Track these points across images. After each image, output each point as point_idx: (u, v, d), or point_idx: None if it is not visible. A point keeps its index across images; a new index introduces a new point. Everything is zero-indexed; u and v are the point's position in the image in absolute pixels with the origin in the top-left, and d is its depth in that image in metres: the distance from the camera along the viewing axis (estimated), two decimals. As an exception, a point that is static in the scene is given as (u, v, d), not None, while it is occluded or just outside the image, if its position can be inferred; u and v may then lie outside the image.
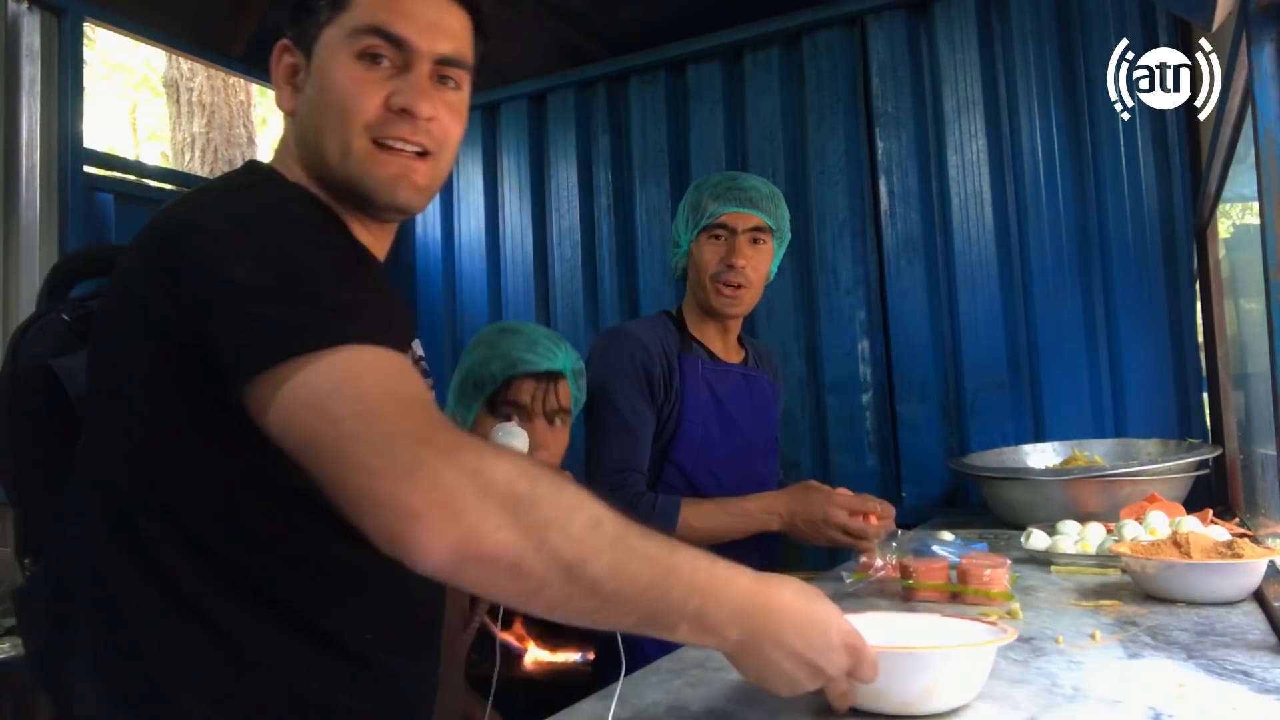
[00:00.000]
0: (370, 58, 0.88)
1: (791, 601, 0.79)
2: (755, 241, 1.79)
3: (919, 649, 0.87)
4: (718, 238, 1.78)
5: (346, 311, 0.73)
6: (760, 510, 1.65)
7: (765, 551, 1.84)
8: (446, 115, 0.92)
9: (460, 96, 0.95)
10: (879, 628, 0.94)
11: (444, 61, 0.92)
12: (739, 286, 1.78)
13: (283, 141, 0.98)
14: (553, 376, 1.54)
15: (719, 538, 1.64)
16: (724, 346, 1.87)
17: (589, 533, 0.69)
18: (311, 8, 0.92)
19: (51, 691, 0.87)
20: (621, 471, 1.66)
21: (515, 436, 0.95)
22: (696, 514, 1.64)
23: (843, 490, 1.65)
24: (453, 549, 0.65)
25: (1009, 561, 1.38)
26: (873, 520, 1.58)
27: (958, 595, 1.35)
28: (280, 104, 0.95)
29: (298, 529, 0.83)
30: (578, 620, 0.72)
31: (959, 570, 1.36)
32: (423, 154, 0.91)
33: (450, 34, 0.92)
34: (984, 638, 0.91)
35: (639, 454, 1.69)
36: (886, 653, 0.83)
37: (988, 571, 1.32)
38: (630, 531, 0.72)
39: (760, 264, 1.81)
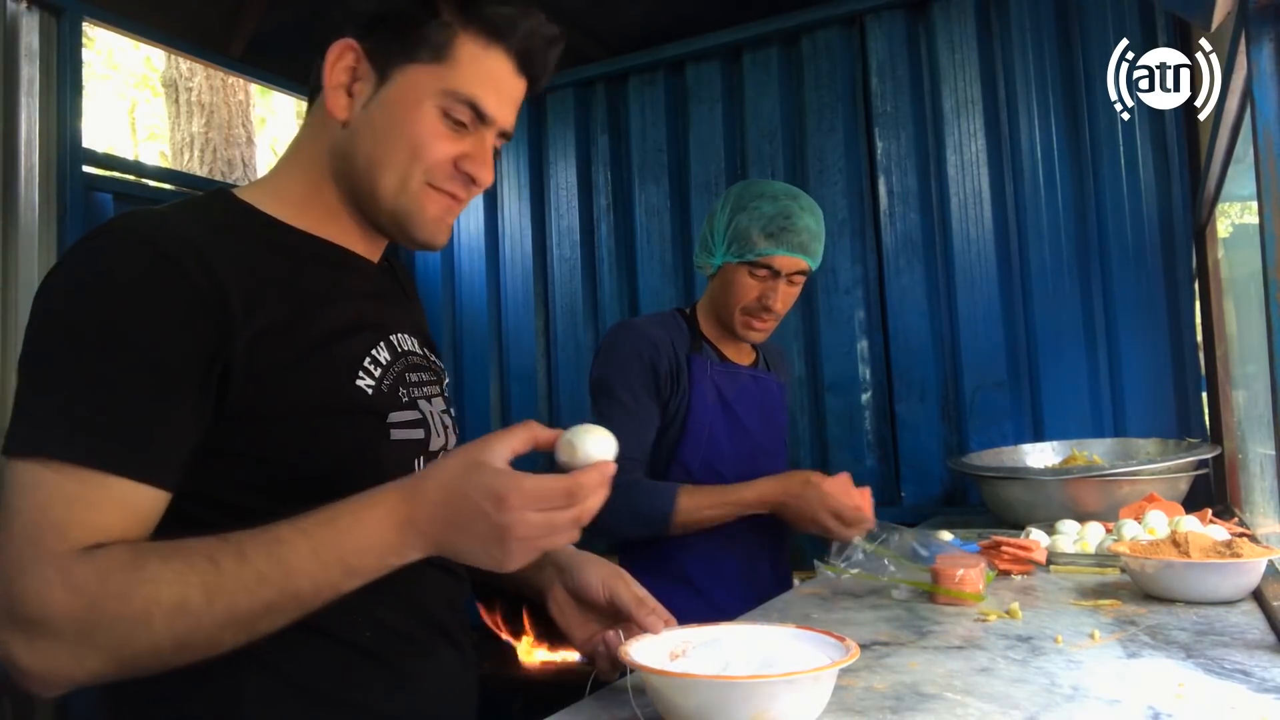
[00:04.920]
0: (454, 119, 0.92)
1: (434, 498, 0.78)
2: (792, 283, 1.76)
3: (746, 678, 0.81)
4: (759, 276, 1.72)
5: (61, 420, 0.75)
6: (756, 498, 1.66)
7: (775, 545, 1.85)
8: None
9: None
10: (722, 644, 0.89)
11: (504, 134, 0.97)
12: (766, 321, 1.77)
13: (307, 141, 0.97)
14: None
15: (713, 522, 1.67)
16: (735, 349, 1.87)
17: (175, 616, 0.72)
18: (403, 35, 0.91)
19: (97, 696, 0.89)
20: (619, 459, 1.64)
21: (595, 436, 0.89)
22: (696, 502, 1.65)
23: (840, 485, 1.62)
24: (50, 691, 0.72)
25: (984, 563, 1.38)
26: (858, 530, 1.59)
27: (931, 595, 1.36)
28: (332, 108, 0.92)
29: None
30: (244, 643, 0.76)
31: (932, 571, 1.37)
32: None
33: (516, 108, 0.98)
34: (826, 660, 0.84)
35: (638, 443, 1.68)
36: (711, 682, 0.80)
37: (959, 572, 1.33)
38: (224, 572, 0.73)
39: (791, 298, 1.79)
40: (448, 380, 1.11)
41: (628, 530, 1.67)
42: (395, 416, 0.94)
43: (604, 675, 0.96)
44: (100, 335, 0.77)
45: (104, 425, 0.75)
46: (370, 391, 0.92)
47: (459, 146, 0.93)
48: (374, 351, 0.94)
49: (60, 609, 0.70)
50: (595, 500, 0.81)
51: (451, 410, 1.07)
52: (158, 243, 0.81)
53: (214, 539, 0.75)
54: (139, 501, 0.76)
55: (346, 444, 0.88)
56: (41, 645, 0.71)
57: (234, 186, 1.01)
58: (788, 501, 1.63)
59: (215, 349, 0.80)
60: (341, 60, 0.92)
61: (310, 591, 0.76)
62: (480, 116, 0.93)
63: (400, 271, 1.11)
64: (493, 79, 0.94)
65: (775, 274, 1.72)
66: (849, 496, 1.60)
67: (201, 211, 0.90)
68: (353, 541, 0.76)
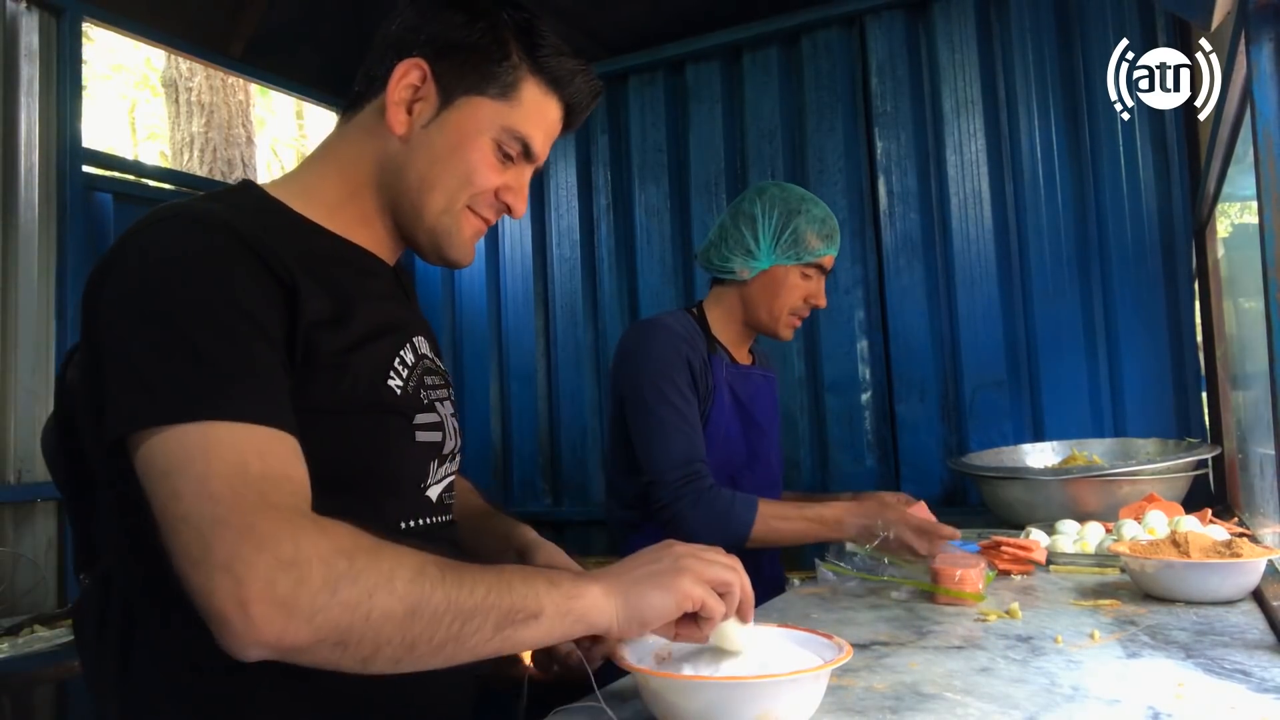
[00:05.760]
0: (504, 153, 0.99)
1: (627, 570, 0.86)
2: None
3: (750, 679, 0.81)
4: (809, 276, 1.78)
5: (212, 382, 0.74)
6: (834, 518, 1.62)
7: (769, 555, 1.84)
8: None
9: None
10: (708, 645, 0.89)
11: (537, 169, 1.05)
12: (802, 319, 1.83)
13: (348, 146, 0.99)
14: None
15: (793, 540, 1.65)
16: (739, 349, 1.87)
17: (414, 583, 0.73)
18: (476, 68, 0.95)
19: (101, 701, 0.88)
20: (689, 464, 1.62)
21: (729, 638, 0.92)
22: (774, 513, 1.62)
23: (920, 508, 1.62)
24: (267, 645, 0.68)
25: (984, 563, 1.38)
26: (940, 544, 1.55)
27: (931, 595, 1.36)
28: (392, 123, 0.95)
29: None
30: (440, 659, 0.75)
31: (932, 571, 1.37)
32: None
33: (551, 146, 1.05)
34: (820, 659, 0.85)
35: (699, 444, 1.66)
36: (716, 684, 0.80)
37: (959, 572, 1.33)
38: (449, 561, 0.76)
39: None
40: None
41: (705, 538, 1.61)
42: (420, 418, 0.96)
43: (540, 672, 1.00)
44: (213, 302, 0.77)
45: (252, 383, 0.76)
46: (399, 392, 0.94)
47: (503, 178, 1.00)
48: (401, 353, 0.96)
49: (316, 549, 0.69)
50: (747, 586, 0.89)
51: (456, 414, 1.09)
52: (233, 227, 0.82)
53: None
54: (300, 454, 0.77)
55: (376, 442, 0.90)
56: (285, 589, 0.67)
57: (253, 181, 1.01)
58: (867, 522, 1.59)
59: (287, 331, 0.82)
60: (407, 78, 0.95)
61: (520, 596, 0.77)
62: (527, 154, 1.01)
63: (403, 276, 1.12)
64: (545, 122, 1.01)
65: (823, 272, 1.80)
66: (926, 513, 1.60)
67: (240, 205, 0.91)
68: (549, 569, 0.83)
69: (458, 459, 1.07)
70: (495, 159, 0.98)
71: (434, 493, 0.99)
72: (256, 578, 0.67)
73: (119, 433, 0.74)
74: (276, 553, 0.68)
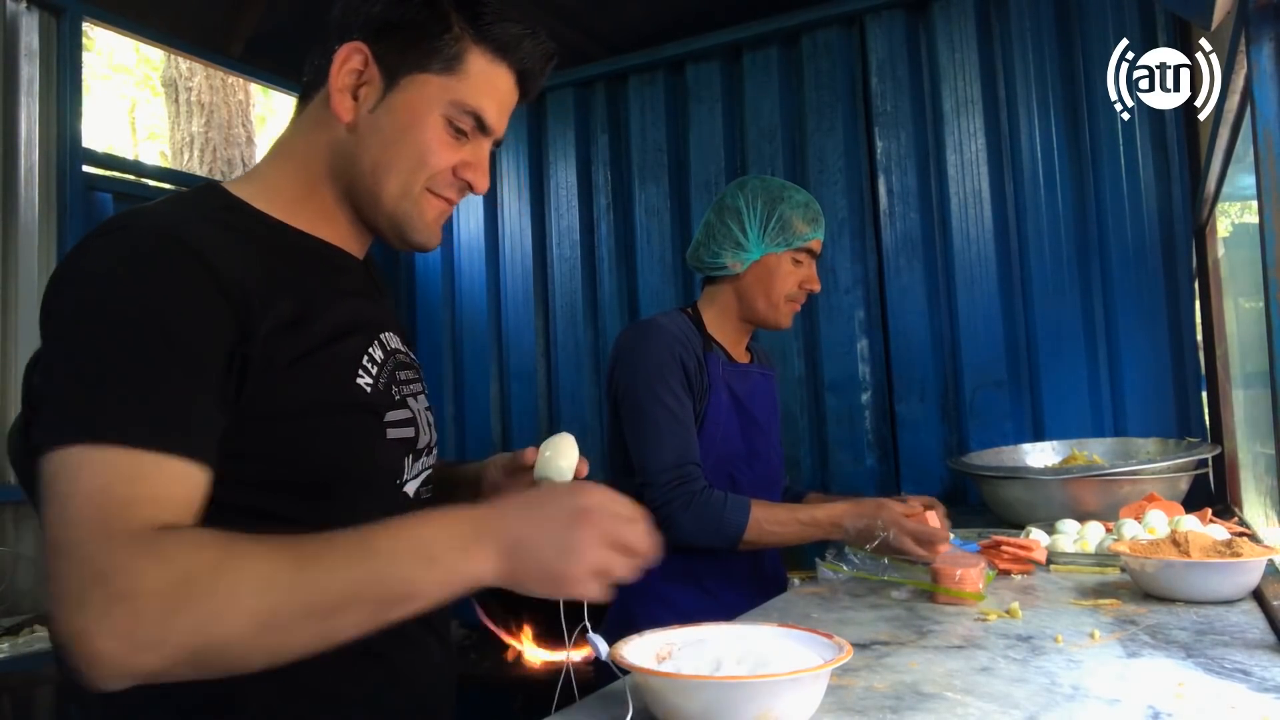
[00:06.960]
0: (457, 128, 0.96)
1: (514, 501, 0.83)
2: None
3: (750, 678, 0.81)
4: (800, 262, 1.80)
5: (108, 406, 0.74)
6: (828, 520, 1.61)
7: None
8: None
9: None
10: (708, 644, 0.90)
11: (497, 142, 1.01)
12: (800, 306, 1.85)
13: (302, 138, 0.97)
14: None
15: (786, 542, 1.65)
16: (738, 348, 1.87)
17: (262, 596, 0.71)
18: (417, 45, 0.93)
19: (83, 706, 0.88)
20: (681, 466, 1.62)
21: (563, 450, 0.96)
22: (768, 516, 1.62)
23: (915, 508, 1.59)
24: (117, 678, 0.68)
25: (984, 563, 1.38)
26: (939, 549, 1.54)
27: (931, 595, 1.36)
28: (338, 110, 0.92)
29: (276, 522, 0.83)
30: (318, 650, 0.74)
31: (932, 571, 1.37)
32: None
33: (509, 117, 1.02)
34: (820, 659, 0.85)
35: (692, 446, 1.66)
36: (716, 683, 0.80)
37: (959, 572, 1.33)
38: (309, 550, 0.74)
39: None
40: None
41: (697, 540, 1.61)
42: (390, 415, 0.95)
43: None
44: (138, 323, 0.77)
45: (151, 408, 0.75)
46: (369, 390, 0.93)
47: (459, 155, 0.97)
48: (370, 350, 0.95)
49: (151, 581, 0.68)
50: (648, 530, 0.84)
51: (431, 406, 1.08)
52: (182, 238, 0.81)
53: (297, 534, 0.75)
54: (192, 480, 0.76)
55: (346, 442, 0.89)
56: (123, 624, 0.67)
57: (219, 181, 1.00)
58: (862, 525, 1.58)
59: (235, 344, 0.81)
60: (349, 63, 0.92)
61: (392, 579, 0.75)
62: (482, 127, 0.97)
63: (374, 267, 1.11)
64: (496, 93, 0.97)
65: (813, 256, 1.81)
66: (923, 518, 1.58)
67: (201, 208, 0.90)
68: (431, 530, 0.78)
69: (434, 453, 1.06)
70: (448, 136, 0.95)
71: (411, 488, 0.99)
72: (93, 618, 0.67)
73: (35, 452, 0.75)
74: (111, 587, 0.67)
